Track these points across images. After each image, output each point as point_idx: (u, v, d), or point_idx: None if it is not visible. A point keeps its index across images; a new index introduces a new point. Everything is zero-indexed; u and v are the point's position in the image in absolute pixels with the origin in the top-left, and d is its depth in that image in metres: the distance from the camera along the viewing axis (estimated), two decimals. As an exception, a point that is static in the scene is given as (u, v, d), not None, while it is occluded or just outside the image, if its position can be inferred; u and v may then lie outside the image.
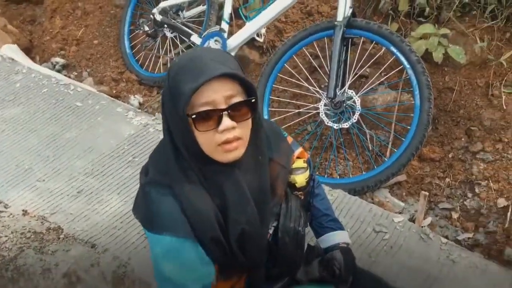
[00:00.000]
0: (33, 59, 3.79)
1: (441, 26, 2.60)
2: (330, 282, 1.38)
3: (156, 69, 3.43)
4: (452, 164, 2.46)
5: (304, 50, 2.73)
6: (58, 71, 3.60)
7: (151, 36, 3.39)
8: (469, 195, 2.37)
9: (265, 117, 2.66)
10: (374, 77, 2.60)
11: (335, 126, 2.49)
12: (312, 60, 2.83)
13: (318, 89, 2.64)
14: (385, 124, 2.58)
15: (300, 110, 2.76)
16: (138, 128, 2.75)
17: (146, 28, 3.34)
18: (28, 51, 3.85)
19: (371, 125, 2.61)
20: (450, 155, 2.49)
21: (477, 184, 2.36)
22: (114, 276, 1.93)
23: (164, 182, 1.16)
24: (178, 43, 3.36)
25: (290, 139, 1.40)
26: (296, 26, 3.12)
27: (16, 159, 2.58)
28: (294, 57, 2.70)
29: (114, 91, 3.37)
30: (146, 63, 3.49)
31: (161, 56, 3.44)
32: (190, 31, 3.11)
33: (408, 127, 2.37)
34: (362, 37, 2.56)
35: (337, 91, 2.43)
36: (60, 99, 3.02)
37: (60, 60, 3.66)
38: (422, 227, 2.20)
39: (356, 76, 2.62)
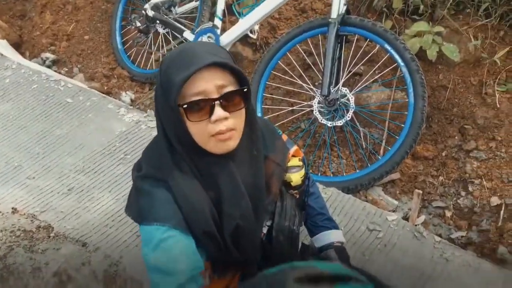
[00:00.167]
0: (23, 54, 3.74)
1: (435, 24, 2.60)
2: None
3: (148, 66, 3.39)
4: (446, 163, 2.46)
5: (298, 47, 2.71)
6: (48, 66, 3.55)
7: (143, 32, 3.35)
8: (463, 193, 2.36)
9: (259, 114, 2.64)
10: (368, 75, 2.59)
11: (329, 124, 2.48)
12: (306, 57, 2.81)
13: (312, 87, 2.63)
14: (379, 122, 2.57)
15: (294, 107, 2.75)
16: (130, 125, 2.71)
17: (138, 24, 3.30)
18: (17, 46, 3.80)
19: (365, 123, 2.61)
20: (443, 154, 2.49)
21: (470, 182, 2.36)
22: (106, 275, 1.91)
23: (157, 176, 1.15)
24: (171, 39, 3.33)
25: (285, 137, 1.39)
26: (290, 23, 3.10)
27: (5, 156, 2.54)
28: (288, 54, 2.69)
29: (105, 88, 3.33)
30: (138, 59, 3.45)
31: (153, 52, 3.41)
32: (182, 27, 3.07)
33: (402, 125, 2.36)
34: (356, 35, 2.54)
35: (331, 88, 2.41)
36: (50, 95, 2.98)
37: (50, 56, 3.61)
38: (415, 225, 2.19)
39: (350, 73, 2.61)
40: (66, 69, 3.57)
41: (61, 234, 2.07)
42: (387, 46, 2.38)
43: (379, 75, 2.60)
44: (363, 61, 2.61)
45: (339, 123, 2.45)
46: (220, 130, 1.08)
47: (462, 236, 2.26)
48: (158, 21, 3.24)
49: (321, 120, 2.49)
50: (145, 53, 3.44)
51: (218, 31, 2.86)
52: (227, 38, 2.84)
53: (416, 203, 2.20)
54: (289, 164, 1.36)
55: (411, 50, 2.38)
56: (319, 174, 2.54)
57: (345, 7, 2.43)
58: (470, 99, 2.52)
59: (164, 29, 3.32)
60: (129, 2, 3.59)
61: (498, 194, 2.29)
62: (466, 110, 2.51)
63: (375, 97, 2.58)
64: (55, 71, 3.49)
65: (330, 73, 2.40)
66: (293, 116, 2.76)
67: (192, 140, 1.11)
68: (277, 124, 2.70)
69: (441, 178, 2.43)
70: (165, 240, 1.09)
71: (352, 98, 2.43)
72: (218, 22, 2.88)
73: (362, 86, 2.57)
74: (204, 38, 2.87)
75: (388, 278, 1.88)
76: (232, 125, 1.09)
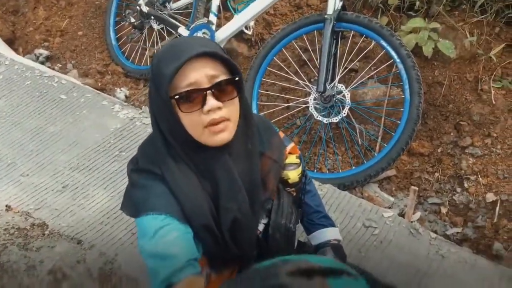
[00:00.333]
0: (16, 50, 3.70)
1: (431, 20, 2.59)
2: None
3: (143, 62, 3.37)
4: (441, 159, 2.46)
5: (294, 43, 2.70)
6: (42, 63, 3.52)
7: (137, 28, 3.32)
8: (458, 189, 2.37)
9: (254, 111, 2.63)
10: (364, 71, 2.59)
11: (325, 120, 2.47)
12: (302, 54, 2.80)
13: (307, 83, 2.62)
14: (375, 119, 2.57)
15: (290, 104, 2.74)
16: (125, 122, 2.70)
17: (132, 20, 3.28)
18: (10, 42, 3.77)
19: (361, 120, 2.60)
20: (439, 150, 2.49)
21: (466, 178, 2.37)
22: (101, 272, 1.89)
23: (153, 170, 1.14)
24: (165, 35, 3.31)
25: (281, 134, 1.39)
26: (285, 19, 3.09)
27: (-2, 153, 2.52)
28: (284, 50, 2.68)
29: (99, 84, 3.30)
30: (133, 55, 3.43)
31: (147, 48, 3.39)
32: (177, 23, 3.05)
33: (398, 122, 2.36)
34: (352, 31, 2.54)
35: (327, 85, 2.40)
36: (44, 91, 2.95)
37: (43, 52, 3.58)
38: (411, 222, 2.19)
39: (346, 70, 2.61)
40: (60, 65, 3.54)
41: (56, 231, 2.06)
42: (383, 43, 2.37)
43: (375, 71, 2.60)
44: (359, 57, 2.61)
45: (335, 119, 2.45)
46: (213, 119, 1.07)
47: (457, 233, 2.27)
48: (152, 17, 3.22)
49: (317, 117, 2.48)
50: (140, 49, 3.41)
51: (213, 27, 2.84)
52: (222, 34, 2.83)
53: (412, 200, 2.20)
54: (286, 161, 1.36)
55: (407, 46, 2.37)
56: (315, 170, 2.53)
57: (341, 3, 2.42)
58: (465, 96, 2.52)
59: (158, 25, 3.30)
60: (123, -2, 3.57)
61: (494, 191, 2.30)
62: (461, 106, 2.51)
63: (371, 94, 2.58)
64: (48, 67, 3.46)
65: (326, 69, 2.39)
66: (289, 113, 2.75)
67: (186, 134, 1.11)
68: (272, 121, 2.69)
69: (436, 174, 2.44)
70: (162, 228, 1.08)
71: (348, 94, 2.43)
72: (213, 18, 2.86)
73: (358, 82, 2.56)
74: (199, 34, 2.86)
75: (384, 275, 1.88)
76: (226, 115, 1.08)
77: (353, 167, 2.46)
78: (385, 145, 2.36)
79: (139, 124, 2.67)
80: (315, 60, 2.65)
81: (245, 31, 2.96)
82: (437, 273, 1.94)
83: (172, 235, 1.08)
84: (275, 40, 2.61)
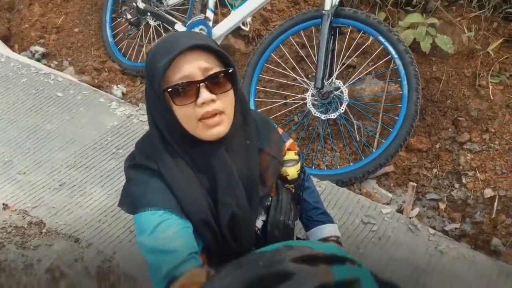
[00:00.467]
0: (11, 47, 3.68)
1: (428, 15, 2.58)
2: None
3: (140, 58, 3.35)
4: (439, 155, 2.46)
5: (291, 39, 2.69)
6: (38, 60, 3.50)
7: (133, 25, 3.30)
8: (456, 185, 2.37)
9: (252, 107, 2.62)
10: (362, 67, 2.58)
11: (323, 116, 2.46)
12: (299, 50, 2.79)
13: (305, 79, 2.61)
14: (373, 115, 2.56)
15: (287, 100, 2.73)
16: (122, 119, 2.68)
17: (129, 16, 3.26)
18: (6, 39, 3.74)
19: (359, 116, 2.60)
20: (437, 146, 2.48)
21: (464, 174, 2.36)
22: (99, 271, 1.89)
23: (151, 166, 1.14)
24: (162, 31, 3.29)
25: (280, 130, 1.38)
26: (283, 15, 3.08)
27: (-5, 151, 2.51)
28: (281, 46, 2.66)
29: (96, 81, 3.29)
30: (129, 52, 3.41)
31: (144, 45, 3.37)
32: (174, 19, 3.04)
33: (396, 118, 2.35)
34: (350, 27, 2.53)
35: (324, 81, 2.40)
36: (40, 89, 2.94)
37: (39, 49, 3.56)
38: (410, 218, 2.19)
39: (343, 66, 2.60)
40: (56, 63, 3.52)
41: (53, 230, 2.05)
42: (380, 38, 2.36)
43: (373, 67, 2.59)
44: (357, 53, 2.60)
45: (333, 116, 2.44)
46: (207, 112, 1.07)
47: (456, 228, 2.27)
48: (149, 13, 3.20)
49: (315, 113, 2.47)
50: (136, 46, 3.39)
51: (210, 24, 2.83)
52: (219, 30, 2.81)
53: (410, 196, 2.20)
54: (285, 158, 1.35)
55: (404, 42, 2.37)
56: (313, 167, 2.53)
57: (338, -1, 2.41)
58: (463, 91, 2.52)
59: (155, 21, 3.28)
60: (119, -6, 3.55)
61: (492, 186, 2.30)
62: (459, 102, 2.51)
63: (368, 90, 2.57)
64: (44, 64, 3.44)
65: (324, 65, 2.38)
66: (287, 109, 2.74)
67: (182, 128, 1.10)
68: (270, 117, 2.68)
69: (435, 170, 2.43)
70: (161, 223, 1.08)
71: (345, 90, 2.42)
72: (210, 14, 2.85)
73: (356, 78, 2.55)
74: (196, 31, 2.84)
75: (382, 272, 1.88)
76: (220, 108, 1.08)
77: (351, 164, 2.45)
78: (383, 141, 2.36)
79: (136, 121, 2.66)
80: (313, 56, 2.64)
81: (242, 27, 2.95)
82: (436, 269, 1.94)
83: (172, 229, 1.08)
84: (273, 37, 2.60)
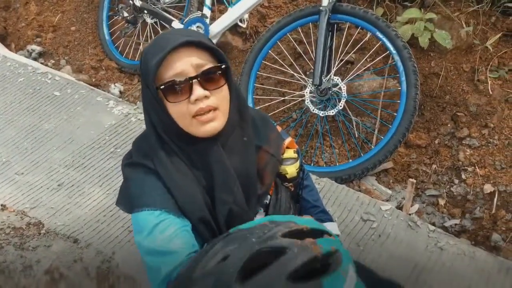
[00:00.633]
0: (8, 47, 3.66)
1: (426, 10, 2.57)
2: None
3: (137, 56, 3.34)
4: (439, 151, 2.45)
5: (289, 36, 2.68)
6: (35, 59, 3.48)
7: (130, 22, 3.29)
8: (456, 181, 2.36)
9: (250, 104, 2.61)
10: (360, 63, 2.56)
11: (321, 113, 2.45)
12: (297, 46, 2.78)
13: (303, 76, 2.60)
14: (371, 111, 2.55)
15: (285, 97, 2.72)
16: (119, 118, 2.67)
17: (125, 14, 3.24)
18: (3, 38, 3.73)
19: (357, 112, 2.59)
20: (436, 141, 2.47)
21: (463, 170, 2.36)
22: (98, 271, 1.88)
23: (147, 165, 1.14)
24: (159, 29, 3.27)
25: (279, 128, 1.38)
26: (280, 11, 3.06)
27: (-7, 152, 2.50)
28: (279, 43, 2.65)
29: (93, 80, 3.27)
30: (126, 50, 3.39)
31: (141, 43, 3.35)
32: (171, 17, 3.02)
33: (395, 114, 2.34)
34: (348, 23, 2.51)
35: (322, 78, 2.38)
36: (37, 88, 2.93)
37: (36, 48, 3.54)
38: (409, 214, 2.19)
39: (341, 62, 2.58)
40: (53, 61, 3.50)
41: (52, 230, 2.05)
42: (378, 34, 2.35)
43: (371, 63, 2.58)
44: (355, 49, 2.58)
45: (331, 112, 2.43)
46: (201, 108, 1.06)
47: (455, 224, 2.26)
48: (145, 11, 3.18)
49: (313, 110, 2.46)
50: (133, 44, 3.38)
51: (207, 21, 2.82)
52: (217, 27, 2.80)
53: (409, 192, 2.20)
54: (284, 156, 1.34)
55: (403, 37, 2.35)
56: (312, 164, 2.52)
57: (336, -5, 2.39)
58: (462, 86, 2.51)
59: (152, 19, 3.26)
60: (116, -8, 3.52)
61: (491, 182, 2.29)
62: (458, 97, 2.50)
63: (367, 86, 2.56)
64: (41, 63, 3.42)
65: (322, 62, 2.37)
66: (285, 106, 2.73)
67: (177, 126, 1.10)
68: (268, 114, 2.67)
69: (434, 166, 2.43)
70: (159, 224, 1.07)
71: (344, 87, 2.41)
72: (207, 12, 2.83)
73: (354, 74, 2.54)
74: (193, 28, 2.83)
75: (383, 269, 1.88)
76: (214, 104, 1.08)
77: (350, 160, 2.45)
78: (382, 137, 2.35)
79: (134, 120, 2.65)
80: (311, 52, 2.63)
81: (240, 24, 2.93)
82: (436, 266, 1.94)
83: (170, 230, 1.07)
84: (270, 33, 2.59)
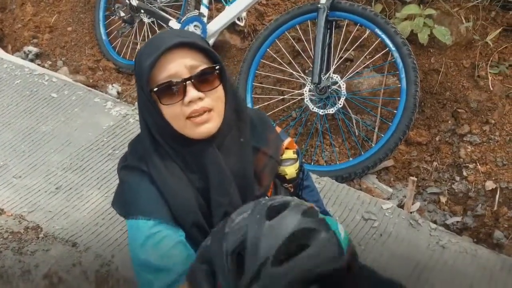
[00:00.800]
0: (5, 48, 3.64)
1: (426, 6, 2.54)
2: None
3: (134, 56, 3.31)
4: (439, 148, 2.43)
5: (287, 34, 2.66)
6: (31, 60, 3.46)
7: (127, 22, 3.27)
8: (457, 178, 2.34)
9: (249, 104, 2.59)
10: (359, 60, 2.54)
11: (321, 112, 2.43)
12: (295, 44, 2.75)
13: (302, 74, 2.58)
14: (371, 109, 2.53)
15: (285, 96, 2.70)
16: (117, 119, 2.66)
17: (122, 14, 3.22)
18: (-1, 40, 3.71)
19: (357, 110, 2.57)
20: (437, 138, 2.45)
21: (464, 167, 2.34)
22: (97, 275, 1.87)
23: (141, 168, 1.13)
24: (156, 29, 3.25)
25: (278, 129, 1.37)
26: (278, 9, 3.03)
27: (-10, 155, 2.48)
28: (277, 41, 2.63)
29: (91, 81, 3.25)
30: (124, 50, 3.37)
31: (138, 43, 3.33)
32: (168, 16, 3.00)
33: (395, 111, 2.32)
34: (346, 20, 2.49)
35: (322, 76, 2.36)
36: (34, 90, 2.91)
37: (33, 49, 3.52)
38: (411, 213, 2.17)
39: (340, 60, 2.56)
40: (50, 62, 3.48)
41: (50, 234, 2.03)
42: (377, 31, 2.33)
43: (370, 60, 2.56)
44: (354, 46, 2.56)
45: (331, 111, 2.41)
46: (195, 110, 1.06)
47: (457, 222, 2.25)
48: (142, 11, 3.16)
49: (313, 108, 2.44)
50: (131, 44, 3.36)
51: (205, 20, 2.80)
52: (214, 26, 2.78)
53: (411, 191, 2.17)
54: (283, 156, 1.34)
55: (402, 34, 2.33)
56: (312, 163, 2.50)
57: (334, -8, 2.37)
58: (462, 82, 2.49)
59: (149, 18, 3.24)
60: (112, -9, 3.50)
61: (493, 178, 2.27)
62: (458, 93, 2.48)
63: (366, 83, 2.54)
64: (38, 64, 3.40)
65: (321, 60, 2.35)
66: (284, 105, 2.71)
67: (172, 128, 1.10)
68: (268, 114, 2.65)
69: (435, 163, 2.41)
70: (153, 236, 1.07)
71: (343, 85, 2.39)
72: (204, 10, 2.81)
73: (353, 72, 2.52)
74: (191, 27, 2.80)
75: (384, 268, 1.86)
76: (208, 105, 1.07)
77: (351, 159, 2.43)
78: (382, 135, 2.33)
79: (132, 121, 2.63)
80: (309, 50, 2.61)
81: (238, 22, 2.91)
82: (438, 264, 1.92)
83: (165, 243, 1.07)
84: (268, 32, 2.57)
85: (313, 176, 2.19)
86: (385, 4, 2.69)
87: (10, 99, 2.86)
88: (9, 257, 1.91)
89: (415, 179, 2.19)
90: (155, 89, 1.05)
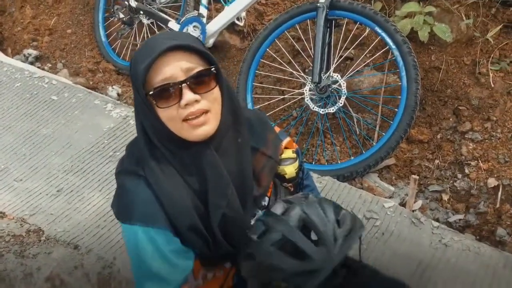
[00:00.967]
0: (4, 51, 3.64)
1: (426, 3, 2.54)
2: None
3: (130, 59, 3.30)
4: (441, 145, 2.42)
5: (286, 33, 2.65)
6: (31, 63, 3.46)
7: (127, 24, 3.27)
8: (459, 176, 2.33)
9: (249, 104, 2.59)
10: (360, 59, 2.53)
11: (321, 111, 2.43)
12: (295, 44, 2.75)
13: (302, 74, 2.58)
14: (372, 107, 2.53)
15: (285, 96, 2.69)
16: (118, 121, 2.65)
17: (121, 15, 3.22)
18: (-1, 43, 3.71)
19: (358, 109, 2.56)
20: (438, 136, 2.45)
21: (466, 164, 2.33)
22: (100, 277, 1.87)
23: (138, 172, 1.13)
24: (156, 30, 3.24)
25: (277, 129, 1.36)
26: (277, 8, 3.03)
27: (-9, 159, 2.48)
28: (276, 41, 2.62)
29: (91, 83, 3.25)
30: (123, 52, 3.37)
31: (138, 44, 3.33)
32: (167, 17, 3.00)
33: (396, 110, 2.32)
34: (346, 18, 2.48)
35: (322, 75, 2.36)
36: (34, 93, 2.91)
37: (32, 52, 3.52)
38: (413, 211, 2.16)
39: (341, 58, 2.55)
40: (50, 65, 3.48)
41: (52, 237, 2.03)
42: (377, 29, 2.32)
43: (371, 59, 2.55)
44: (354, 45, 2.55)
45: (332, 110, 2.40)
46: (191, 112, 1.05)
47: (460, 219, 2.24)
48: (141, 12, 3.16)
49: (313, 108, 2.43)
50: (130, 45, 3.36)
51: (204, 20, 2.79)
52: (214, 26, 2.78)
53: (412, 189, 2.17)
54: (283, 156, 1.34)
55: (402, 32, 2.32)
56: (313, 162, 2.50)
57: (333, -9, 2.36)
58: (463, 80, 2.48)
59: (148, 19, 3.24)
60: (111, -7, 3.49)
61: (495, 175, 2.26)
62: (460, 91, 2.47)
63: (367, 82, 2.53)
64: (38, 67, 3.40)
65: (321, 59, 2.34)
66: (285, 105, 2.71)
67: (168, 131, 1.09)
68: (268, 113, 2.65)
69: (437, 161, 2.40)
70: (149, 244, 1.08)
71: (343, 84, 2.38)
72: (203, 11, 2.81)
73: (354, 71, 2.51)
74: (190, 28, 2.80)
75: (387, 267, 1.86)
76: (205, 107, 1.07)
77: (352, 158, 2.42)
78: (384, 133, 2.32)
79: (132, 122, 2.63)
80: (309, 49, 2.60)
81: (237, 22, 2.90)
82: (441, 262, 1.91)
83: (160, 251, 1.08)
84: (268, 32, 2.56)
85: (315, 176, 2.19)
86: (385, 2, 2.69)
87: (11, 102, 2.86)
88: (11, 260, 1.91)
89: (417, 177, 2.18)
90: (151, 93, 1.05)
